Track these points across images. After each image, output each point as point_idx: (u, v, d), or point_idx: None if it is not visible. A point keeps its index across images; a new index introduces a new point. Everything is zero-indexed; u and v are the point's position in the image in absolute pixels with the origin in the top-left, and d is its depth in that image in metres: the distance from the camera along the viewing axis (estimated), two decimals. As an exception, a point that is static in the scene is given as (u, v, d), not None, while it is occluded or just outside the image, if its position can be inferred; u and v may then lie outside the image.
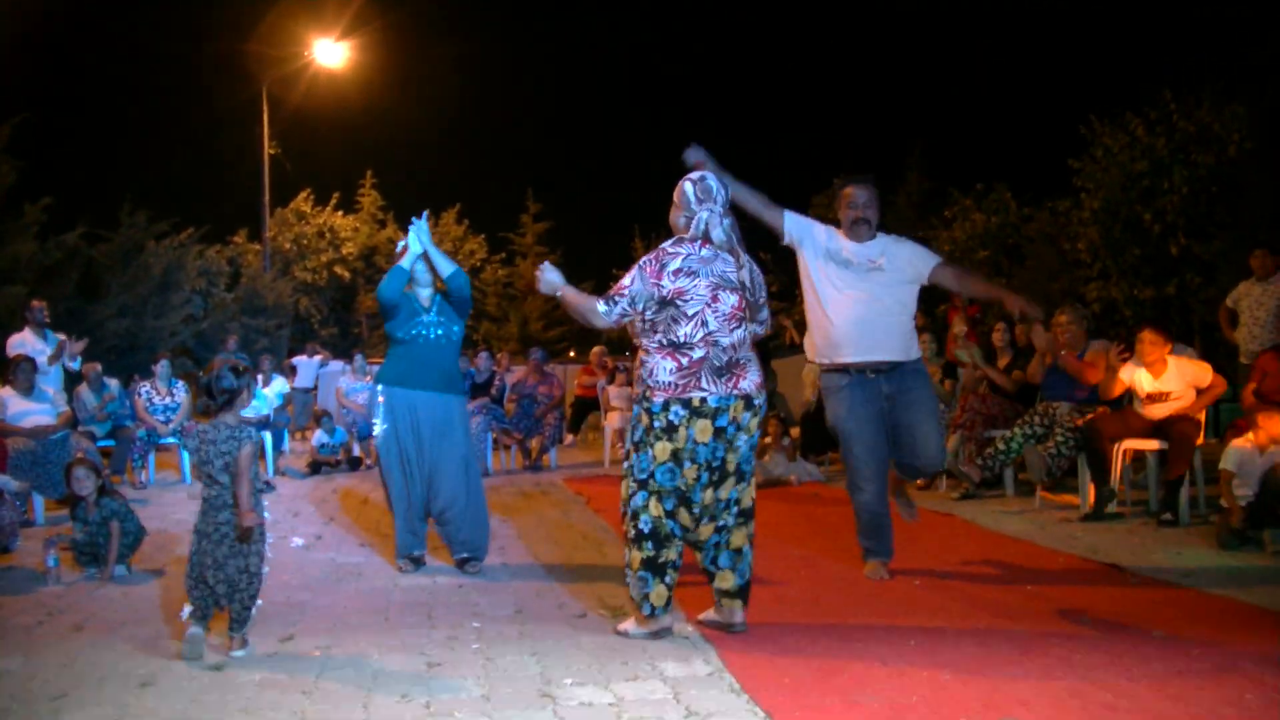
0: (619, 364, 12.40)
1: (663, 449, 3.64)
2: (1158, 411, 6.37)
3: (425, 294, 5.24)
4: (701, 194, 3.84)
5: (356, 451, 10.73)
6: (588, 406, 12.66)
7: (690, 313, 3.65)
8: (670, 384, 3.63)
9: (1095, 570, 4.88)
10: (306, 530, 6.42)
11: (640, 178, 45.65)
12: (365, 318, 27.27)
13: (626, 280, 3.72)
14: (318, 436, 10.56)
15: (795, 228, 4.68)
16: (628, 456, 3.77)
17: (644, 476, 3.67)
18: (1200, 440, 6.23)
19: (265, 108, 20.92)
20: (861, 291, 4.53)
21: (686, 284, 3.66)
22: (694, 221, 3.81)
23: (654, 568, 3.65)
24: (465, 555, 5.06)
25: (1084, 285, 15.75)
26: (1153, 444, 6.32)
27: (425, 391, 5.03)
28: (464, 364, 10.10)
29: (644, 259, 3.77)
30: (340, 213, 27.78)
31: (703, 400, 3.62)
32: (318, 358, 16.53)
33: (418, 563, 5.15)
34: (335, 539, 6.11)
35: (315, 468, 10.15)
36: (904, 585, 4.54)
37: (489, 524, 5.26)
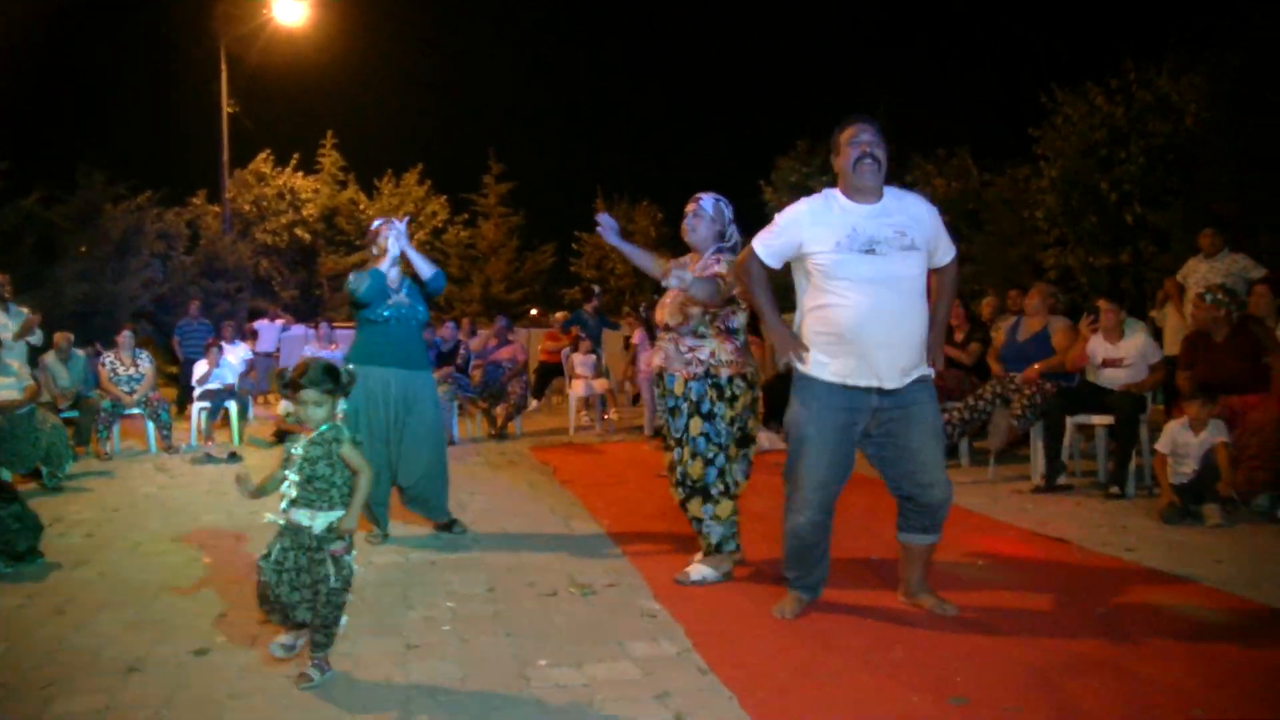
0: (641, 305, 12.29)
1: (726, 416, 4.37)
2: (1112, 376, 6.63)
3: (394, 274, 5.38)
4: (731, 213, 4.58)
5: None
6: (552, 371, 12.76)
7: (741, 307, 4.45)
8: (733, 361, 4.38)
9: (1044, 544, 5.09)
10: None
11: (604, 139, 45.52)
12: (326, 280, 27.07)
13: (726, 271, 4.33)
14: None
15: (780, 240, 3.80)
16: (687, 428, 4.37)
17: (723, 441, 4.37)
18: (1145, 416, 6.46)
19: (224, 65, 20.63)
20: (887, 293, 3.64)
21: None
22: (730, 233, 4.56)
23: (735, 515, 4.44)
24: (448, 519, 5.51)
25: (1042, 251, 15.99)
26: (1102, 419, 6.56)
27: (395, 369, 5.26)
28: (429, 334, 10.15)
29: (731, 261, 4.33)
30: (300, 174, 27.45)
31: (753, 374, 4.54)
32: (279, 321, 16.49)
33: (387, 536, 5.34)
34: (307, 514, 6.18)
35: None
36: (862, 561, 4.72)
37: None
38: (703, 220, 4.49)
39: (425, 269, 5.45)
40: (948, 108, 30.67)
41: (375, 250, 5.43)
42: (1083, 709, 2.92)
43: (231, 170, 22.97)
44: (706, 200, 4.54)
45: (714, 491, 4.37)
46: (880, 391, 3.68)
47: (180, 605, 4.13)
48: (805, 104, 41.37)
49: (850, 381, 3.67)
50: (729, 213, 4.56)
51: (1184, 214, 12.42)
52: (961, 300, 8.31)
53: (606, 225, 4.60)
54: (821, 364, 3.71)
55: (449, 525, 5.52)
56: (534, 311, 27.46)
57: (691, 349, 4.37)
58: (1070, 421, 6.65)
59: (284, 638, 3.42)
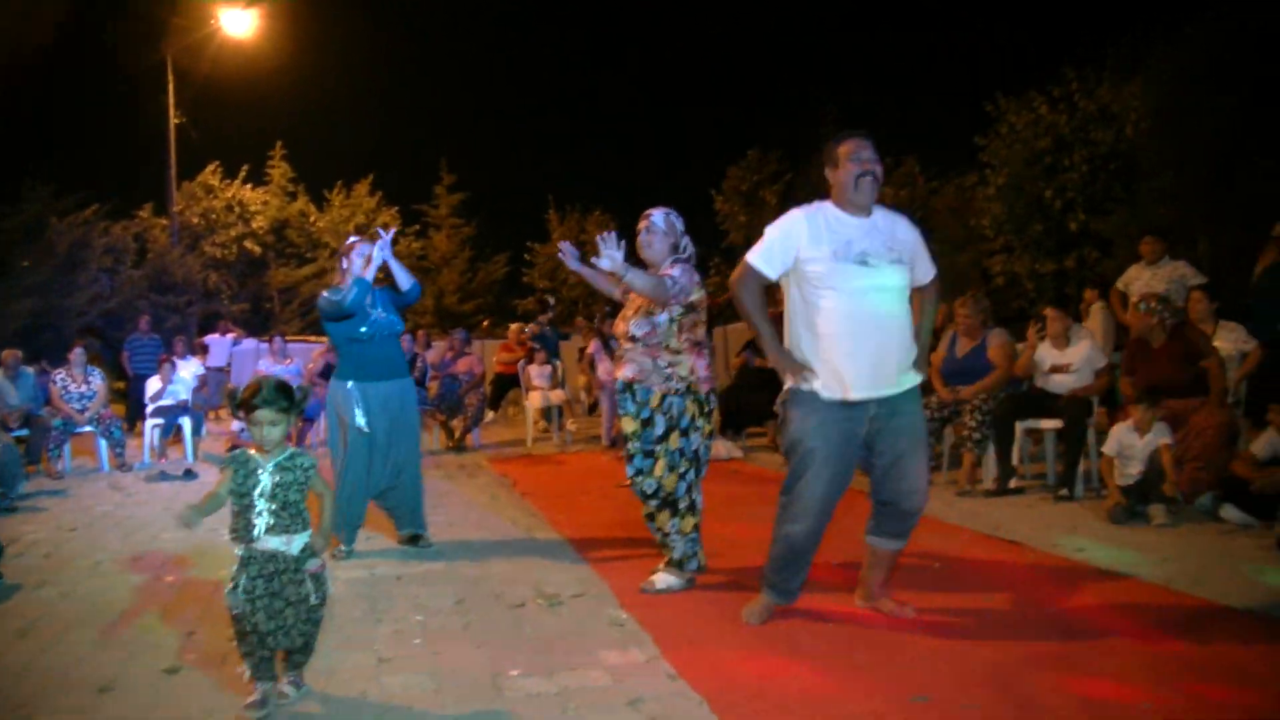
0: (596, 317, 12.35)
1: (705, 430, 4.49)
2: (1059, 382, 6.82)
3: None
4: (683, 225, 4.65)
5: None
6: (507, 383, 12.79)
7: (704, 319, 4.53)
8: (707, 377, 4.51)
9: (997, 546, 5.23)
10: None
11: (556, 149, 45.56)
12: (277, 293, 26.86)
13: (681, 276, 4.42)
14: (237, 421, 10.50)
15: (779, 249, 3.83)
16: (663, 439, 4.43)
17: (696, 456, 4.48)
18: (1093, 420, 6.65)
19: (170, 77, 20.44)
20: (878, 301, 3.76)
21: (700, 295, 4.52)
22: (684, 244, 4.62)
23: (698, 530, 4.54)
24: (416, 531, 5.56)
25: (988, 259, 16.32)
26: (1051, 423, 6.75)
27: (383, 382, 5.43)
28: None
29: (685, 268, 4.48)
30: (249, 185, 27.23)
31: (717, 386, 4.69)
32: (230, 335, 16.34)
33: (351, 553, 5.37)
34: (268, 530, 6.17)
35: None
36: (822, 567, 4.81)
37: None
38: (656, 235, 4.57)
39: (405, 279, 5.60)
40: (894, 116, 31.11)
41: (346, 264, 5.52)
42: (1038, 704, 3.03)
43: (179, 183, 22.78)
44: (657, 215, 4.63)
45: (681, 506, 4.48)
46: (876, 401, 3.75)
47: (147, 624, 4.14)
48: (755, 114, 41.74)
49: (850, 397, 3.72)
50: (680, 225, 4.64)
51: (1126, 221, 12.74)
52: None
53: (568, 253, 4.79)
54: (821, 382, 3.75)
55: (415, 538, 5.54)
56: (485, 323, 27.41)
57: (671, 365, 4.44)
58: (1020, 426, 6.82)
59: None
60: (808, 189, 21.31)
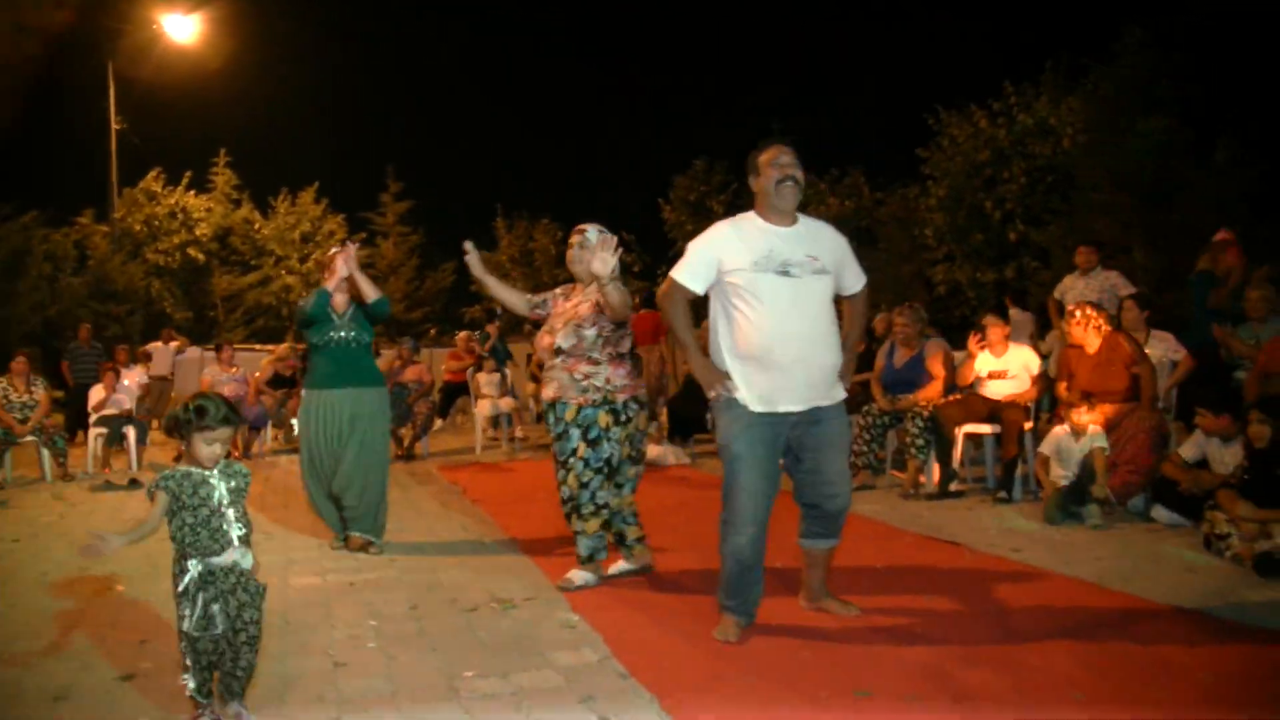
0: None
1: (620, 438, 4.60)
2: (997, 389, 7.02)
3: (340, 299, 5.74)
4: (614, 243, 4.65)
5: (225, 444, 10.63)
6: (456, 391, 12.80)
7: (630, 333, 4.74)
8: (627, 385, 4.63)
9: (938, 548, 5.39)
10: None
11: (503, 157, 45.51)
12: (221, 301, 26.55)
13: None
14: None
15: (700, 260, 3.89)
16: (574, 452, 4.58)
17: (600, 466, 4.59)
18: (1030, 425, 6.86)
19: (111, 81, 20.18)
20: (800, 311, 3.78)
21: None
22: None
23: (603, 531, 4.71)
24: (367, 539, 5.63)
25: (931, 268, 16.64)
26: (989, 428, 6.94)
27: (344, 389, 5.61)
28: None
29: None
30: (193, 192, 26.90)
31: (644, 395, 4.79)
32: (173, 344, 16.14)
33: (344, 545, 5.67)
34: (218, 539, 6.16)
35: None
36: (768, 569, 4.92)
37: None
38: (589, 250, 4.64)
39: (370, 292, 5.71)
40: (840, 129, 31.53)
41: (328, 275, 5.69)
42: (974, 696, 3.17)
43: (120, 189, 22.44)
44: (592, 231, 4.76)
45: (585, 510, 4.65)
46: (798, 413, 3.79)
47: (100, 633, 4.14)
48: (702, 124, 42.07)
49: (768, 409, 3.75)
50: (612, 239, 4.70)
51: (1063, 232, 13.07)
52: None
53: (473, 256, 4.91)
54: (742, 391, 3.77)
55: (366, 545, 5.60)
56: (432, 331, 27.30)
57: (587, 376, 4.58)
58: (960, 431, 7.01)
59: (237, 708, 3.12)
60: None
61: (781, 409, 3.76)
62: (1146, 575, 4.66)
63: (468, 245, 4.97)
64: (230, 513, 3.11)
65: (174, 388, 15.41)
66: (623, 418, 4.62)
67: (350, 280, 5.68)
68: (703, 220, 22.88)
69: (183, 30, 20.52)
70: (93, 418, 10.08)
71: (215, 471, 3.12)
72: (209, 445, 3.08)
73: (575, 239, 4.78)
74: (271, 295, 27.65)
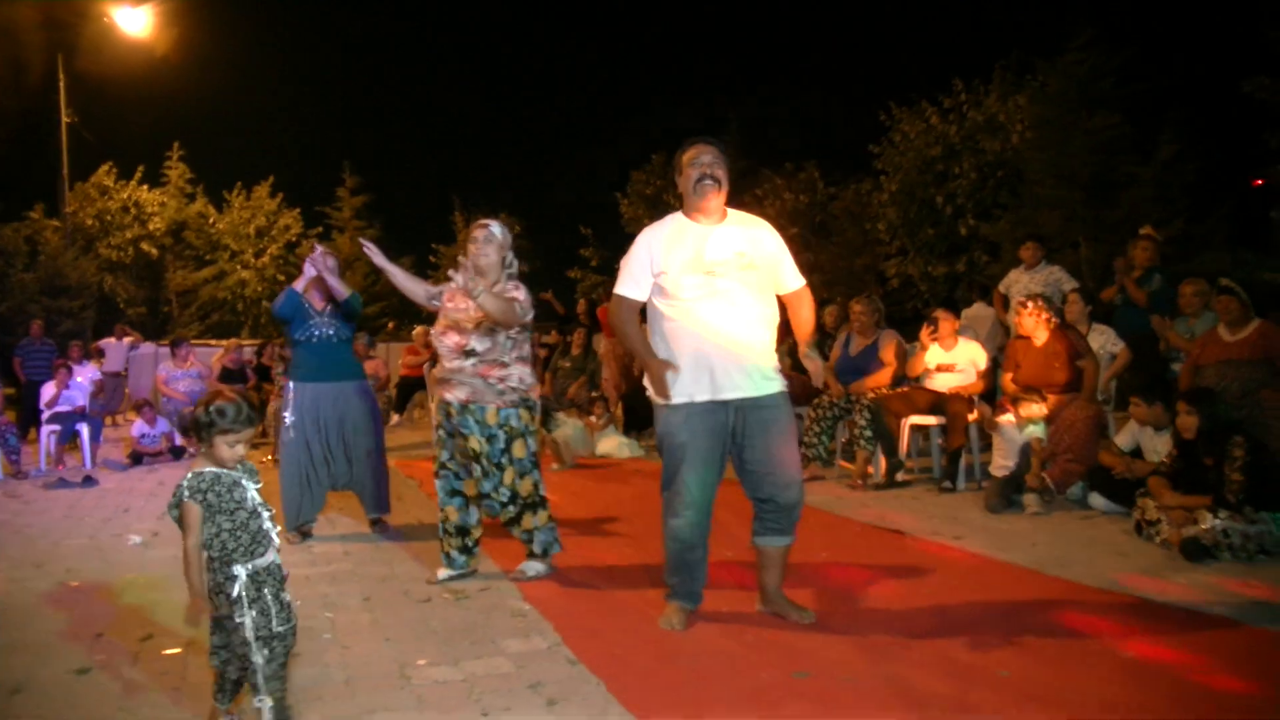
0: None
1: (538, 435, 4.86)
2: (944, 382, 7.20)
3: (317, 297, 5.98)
4: (511, 239, 4.89)
5: (179, 441, 10.61)
6: (413, 386, 12.84)
7: (529, 336, 4.85)
8: (535, 385, 4.81)
9: (881, 536, 5.55)
10: (142, 526, 6.47)
11: (461, 150, 45.32)
12: (176, 296, 26.31)
13: (525, 299, 4.71)
14: (138, 426, 10.38)
15: (635, 267, 3.98)
16: (504, 452, 4.65)
17: (535, 459, 4.80)
18: (975, 416, 7.04)
19: (62, 75, 19.92)
20: (726, 307, 3.84)
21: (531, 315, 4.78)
22: (509, 259, 4.83)
23: (552, 519, 4.88)
24: (376, 515, 6.04)
25: (884, 261, 16.87)
26: (934, 420, 7.13)
27: (325, 382, 5.87)
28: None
29: (524, 289, 4.73)
30: (146, 186, 26.61)
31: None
32: (127, 340, 15.99)
33: (305, 534, 5.86)
34: (174, 534, 6.13)
35: (137, 459, 10.01)
36: (714, 559, 5.04)
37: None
38: (493, 244, 4.75)
39: (341, 290, 5.86)
40: (795, 124, 31.76)
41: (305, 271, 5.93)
42: (907, 676, 3.31)
43: (72, 183, 22.16)
44: (495, 226, 4.84)
45: (533, 501, 4.79)
46: (736, 403, 3.84)
47: (56, 628, 4.17)
48: (660, 119, 42.15)
49: (707, 397, 3.81)
50: (510, 239, 4.86)
51: (1012, 226, 13.33)
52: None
53: (371, 249, 5.00)
54: (679, 388, 3.84)
55: (376, 522, 6.05)
56: (390, 325, 27.23)
57: (502, 379, 4.66)
58: (906, 422, 7.18)
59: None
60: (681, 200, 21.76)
61: (720, 397, 3.81)
62: (1079, 560, 4.84)
63: (364, 242, 5.15)
64: (265, 513, 3.03)
65: (128, 383, 15.30)
66: (534, 414, 4.82)
67: (319, 280, 5.84)
68: (660, 214, 22.91)
69: (134, 22, 20.24)
70: (45, 414, 10.02)
71: (242, 471, 3.05)
72: (232, 447, 3.01)
73: (479, 233, 4.77)
74: (226, 290, 27.45)
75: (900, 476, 7.12)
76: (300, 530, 5.84)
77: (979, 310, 9.87)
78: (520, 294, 4.67)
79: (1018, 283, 8.68)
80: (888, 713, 3.03)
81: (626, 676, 3.37)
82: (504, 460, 4.66)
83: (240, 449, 3.02)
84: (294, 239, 28.70)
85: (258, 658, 2.89)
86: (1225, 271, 11.65)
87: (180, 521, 2.94)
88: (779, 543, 3.99)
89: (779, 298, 4.06)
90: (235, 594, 2.90)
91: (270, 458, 9.99)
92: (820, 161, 20.10)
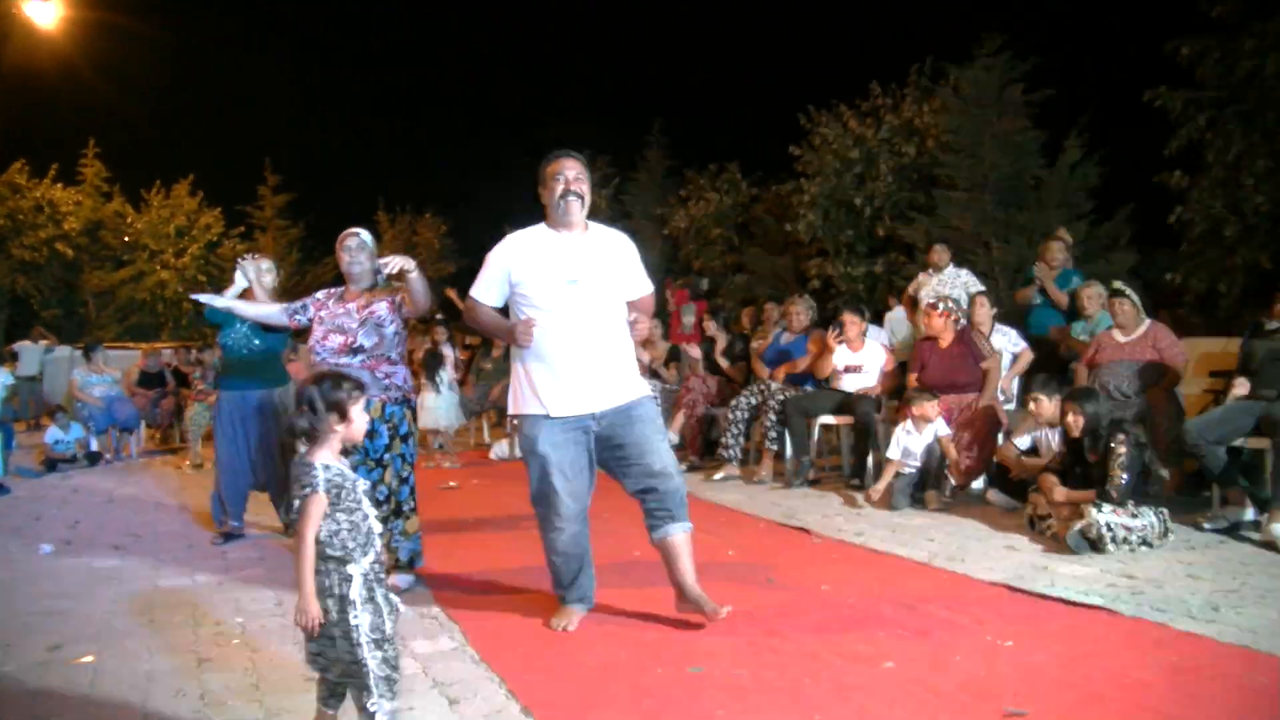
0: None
1: (416, 435, 4.90)
2: (852, 383, 7.43)
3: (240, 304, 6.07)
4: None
5: (94, 446, 10.49)
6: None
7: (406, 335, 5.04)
8: (412, 385, 5.00)
9: (787, 533, 5.75)
10: (53, 535, 6.43)
11: (385, 149, 44.87)
12: (93, 297, 25.76)
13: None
14: (51, 433, 10.25)
15: (492, 275, 4.03)
16: (387, 448, 4.71)
17: (412, 461, 4.84)
18: (881, 416, 7.28)
19: (-32, 71, 19.41)
20: (586, 318, 3.91)
21: None
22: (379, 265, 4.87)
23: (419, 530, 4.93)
24: (288, 519, 6.04)
25: (805, 262, 17.13)
26: (844, 419, 7.35)
27: (244, 389, 6.14)
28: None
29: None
30: (60, 185, 26.00)
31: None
32: (43, 343, 15.72)
33: (229, 536, 6.08)
34: (84, 543, 6.18)
35: (51, 465, 9.89)
36: (625, 555, 5.19)
37: None
38: (364, 252, 4.93)
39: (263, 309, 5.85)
40: (718, 126, 32.02)
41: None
42: (796, 668, 3.48)
43: (-18, 181, 21.58)
44: (365, 233, 5.01)
45: (406, 509, 4.83)
46: (599, 413, 3.92)
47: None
48: (584, 119, 42.17)
49: (567, 413, 3.89)
50: (376, 246, 5.09)
51: (927, 228, 13.65)
52: (719, 312, 9.11)
53: (211, 299, 5.61)
54: (540, 401, 3.90)
55: (290, 525, 6.02)
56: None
57: (388, 375, 4.78)
58: (815, 422, 7.40)
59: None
60: (635, 192, 21.89)
61: (569, 412, 3.89)
62: (972, 554, 5.07)
63: (244, 261, 5.86)
64: (372, 511, 2.88)
65: (43, 388, 15.02)
66: (413, 415, 4.92)
67: (249, 293, 5.98)
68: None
69: (45, 15, 19.78)
70: (-46, 421, 9.82)
71: (348, 463, 2.90)
72: (360, 418, 2.92)
73: (350, 241, 4.90)
74: (146, 291, 26.92)
75: (810, 475, 7.33)
76: (224, 533, 6.01)
77: (899, 313, 10.14)
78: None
79: (926, 285, 8.94)
80: (774, 705, 3.18)
81: (529, 674, 3.50)
82: (385, 457, 4.70)
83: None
84: (215, 238, 28.23)
85: (371, 660, 2.73)
86: (1135, 271, 12.15)
87: (301, 511, 2.74)
88: (675, 530, 3.97)
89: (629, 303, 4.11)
90: (353, 595, 2.74)
91: (188, 463, 9.93)
92: (742, 163, 20.35)
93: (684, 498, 4.01)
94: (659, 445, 3.97)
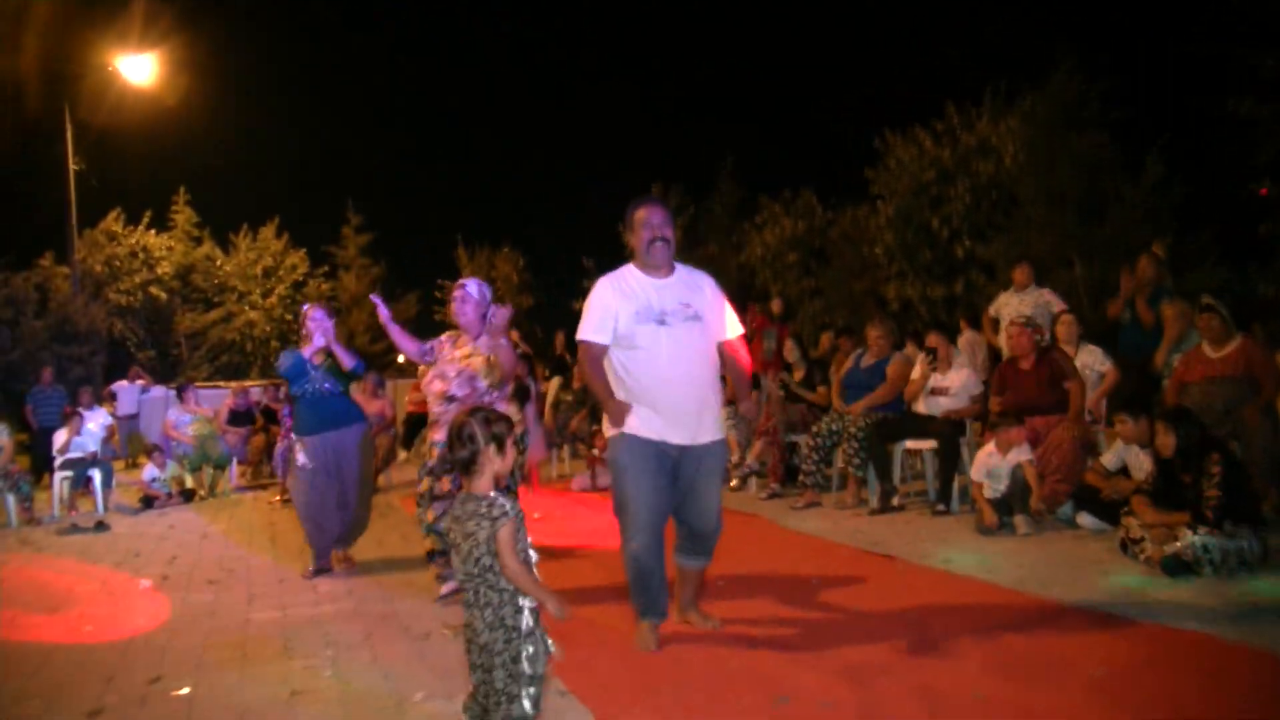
0: None
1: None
2: (938, 406, 7.32)
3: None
4: (491, 295, 5.45)
5: (189, 484, 10.78)
6: (419, 423, 12.97)
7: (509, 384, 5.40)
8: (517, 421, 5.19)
9: (873, 560, 5.67)
10: (151, 570, 6.62)
11: (463, 187, 45.71)
12: (185, 339, 26.58)
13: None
14: (149, 471, 10.55)
15: (599, 316, 4.21)
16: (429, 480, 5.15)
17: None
18: (967, 438, 7.16)
19: (69, 124, 20.24)
20: (676, 356, 4.12)
21: None
22: (490, 313, 5.19)
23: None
24: (342, 551, 6.32)
25: (884, 284, 17.01)
26: (927, 443, 7.24)
27: (322, 433, 6.13)
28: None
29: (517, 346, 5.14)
30: (153, 231, 26.97)
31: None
32: (140, 383, 16.22)
33: (322, 571, 6.18)
34: (182, 578, 6.35)
35: (148, 503, 10.17)
36: (711, 582, 5.17)
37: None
38: (470, 303, 5.22)
39: (347, 361, 6.22)
40: (792, 153, 31.99)
41: (305, 330, 6.23)
42: (886, 699, 3.43)
43: (80, 230, 22.47)
44: (472, 285, 5.29)
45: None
46: (680, 446, 4.12)
47: (67, 671, 4.32)
48: (659, 150, 42.46)
49: (656, 438, 4.10)
50: (490, 294, 5.31)
51: (1007, 247, 13.48)
52: (800, 338, 9.03)
53: (380, 306, 5.55)
54: (632, 423, 4.11)
55: (345, 559, 6.32)
56: (400, 360, 27.45)
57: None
58: (898, 447, 7.30)
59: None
60: (710, 222, 21.95)
61: (668, 440, 4.11)
62: (1063, 580, 4.94)
63: (375, 299, 5.70)
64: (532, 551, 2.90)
65: (139, 427, 15.50)
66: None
67: (326, 350, 6.16)
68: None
69: (138, 71, 20.61)
70: (57, 461, 10.19)
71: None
72: (511, 452, 2.97)
73: (458, 293, 5.26)
74: (235, 331, 27.73)
75: (894, 501, 7.23)
76: (318, 569, 6.16)
77: (970, 336, 10.00)
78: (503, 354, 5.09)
79: (1007, 305, 8.80)
80: (863, 734, 3.15)
81: (613, 705, 3.50)
82: None
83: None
84: (300, 278, 29.00)
85: (526, 698, 2.74)
86: (1224, 286, 11.82)
87: (500, 539, 2.75)
88: (693, 564, 4.40)
89: (719, 346, 4.33)
90: (526, 627, 2.78)
91: (279, 498, 10.15)
92: (817, 188, 20.31)
93: (715, 541, 4.33)
94: (712, 494, 4.25)
